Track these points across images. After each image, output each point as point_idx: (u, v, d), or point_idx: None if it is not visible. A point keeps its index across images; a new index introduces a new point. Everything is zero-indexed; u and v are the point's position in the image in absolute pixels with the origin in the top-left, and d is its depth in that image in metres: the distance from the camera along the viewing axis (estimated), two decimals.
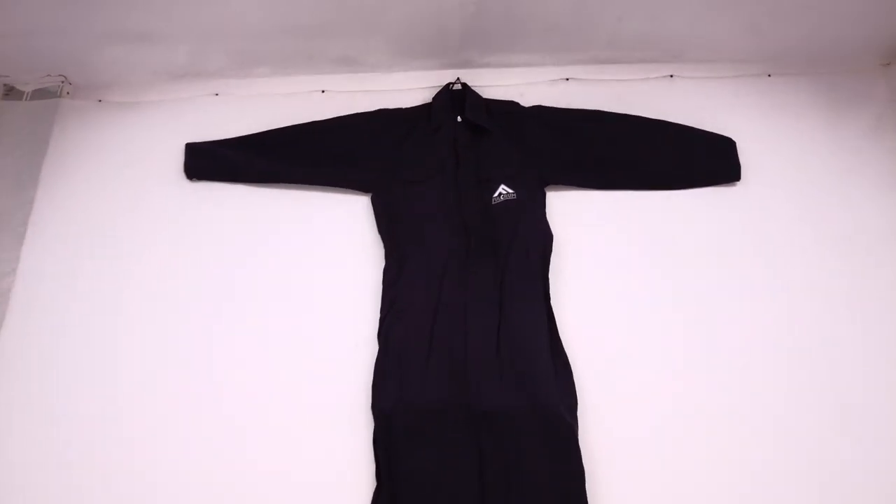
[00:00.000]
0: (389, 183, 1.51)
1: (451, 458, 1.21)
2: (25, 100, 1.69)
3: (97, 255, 1.50)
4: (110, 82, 1.71)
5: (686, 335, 1.37)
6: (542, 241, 1.42)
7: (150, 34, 1.55)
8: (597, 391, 1.29)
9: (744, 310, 1.39)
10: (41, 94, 1.70)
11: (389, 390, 1.28)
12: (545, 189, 1.51)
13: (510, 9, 1.49)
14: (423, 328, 1.32)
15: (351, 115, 1.60)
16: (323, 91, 1.69)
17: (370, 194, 1.52)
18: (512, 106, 1.60)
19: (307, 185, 1.55)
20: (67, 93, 1.71)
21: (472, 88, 1.61)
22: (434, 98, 1.61)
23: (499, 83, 1.65)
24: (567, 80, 1.68)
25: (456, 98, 1.59)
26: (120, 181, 1.59)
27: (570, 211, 1.49)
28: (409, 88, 1.66)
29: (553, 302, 1.37)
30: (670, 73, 1.67)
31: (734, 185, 1.53)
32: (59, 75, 1.71)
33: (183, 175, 1.58)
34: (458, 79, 1.63)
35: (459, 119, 1.55)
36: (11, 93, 1.70)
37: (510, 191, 1.46)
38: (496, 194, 1.46)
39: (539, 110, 1.58)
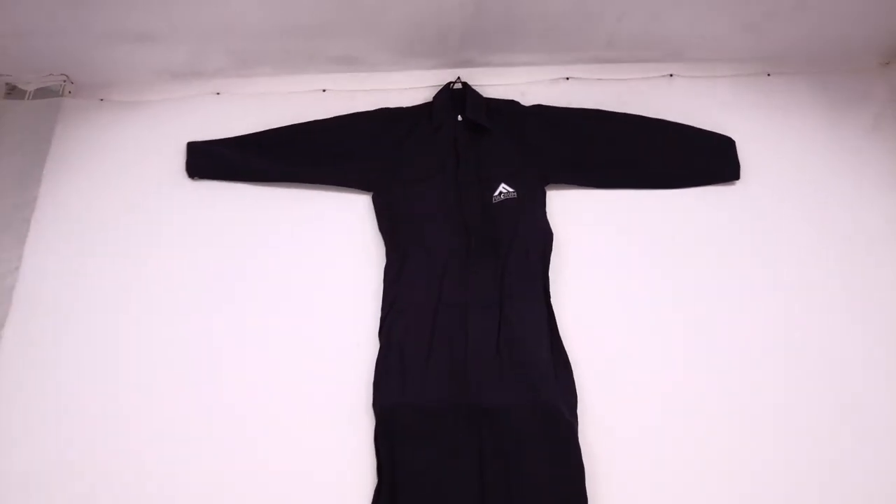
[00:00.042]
0: (390, 182, 1.51)
1: (451, 456, 1.22)
2: (28, 99, 1.70)
3: (99, 254, 1.50)
4: (112, 81, 1.72)
5: (686, 334, 1.37)
6: (542, 239, 1.42)
7: (152, 34, 1.55)
8: (597, 389, 1.30)
9: (743, 308, 1.39)
10: (43, 93, 1.70)
11: (390, 388, 1.28)
12: (545, 188, 1.51)
13: (510, 8, 1.49)
14: (424, 327, 1.33)
15: (351, 114, 1.61)
16: (324, 90, 1.70)
17: (371, 193, 1.53)
18: (512, 105, 1.60)
19: (308, 184, 1.56)
20: (69, 92, 1.72)
21: (473, 88, 1.61)
22: (434, 97, 1.61)
23: (499, 82, 1.65)
24: (567, 79, 1.69)
25: (456, 97, 1.59)
26: (122, 180, 1.59)
27: (571, 210, 1.50)
28: (409, 88, 1.67)
29: (553, 300, 1.37)
30: (670, 73, 1.68)
31: (733, 184, 1.53)
32: (62, 74, 1.71)
33: (184, 174, 1.58)
34: (458, 78, 1.63)
35: (460, 118, 1.56)
36: (14, 92, 1.71)
37: (510, 190, 1.47)
38: (496, 193, 1.47)
39: (539, 109, 1.59)
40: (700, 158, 1.56)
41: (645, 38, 1.61)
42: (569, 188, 1.53)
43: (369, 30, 1.56)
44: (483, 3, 1.47)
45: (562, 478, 1.19)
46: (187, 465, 1.28)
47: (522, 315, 1.34)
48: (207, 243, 1.51)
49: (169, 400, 1.35)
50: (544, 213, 1.48)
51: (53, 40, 1.57)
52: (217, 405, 1.34)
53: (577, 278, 1.43)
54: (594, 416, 1.27)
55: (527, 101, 1.61)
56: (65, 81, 1.71)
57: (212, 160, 1.59)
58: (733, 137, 1.56)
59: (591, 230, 1.48)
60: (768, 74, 1.67)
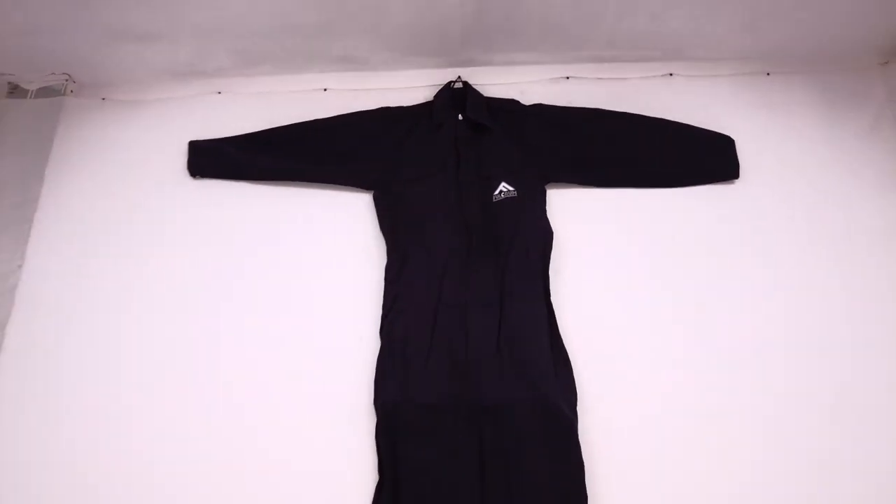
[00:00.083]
0: (390, 181, 1.52)
1: (451, 452, 1.23)
2: (30, 98, 1.70)
3: (101, 253, 1.51)
4: (114, 81, 1.72)
5: (685, 331, 1.38)
6: (542, 238, 1.43)
7: (154, 33, 1.56)
8: (596, 387, 1.30)
9: (742, 307, 1.40)
10: (45, 92, 1.71)
11: (391, 386, 1.29)
12: (545, 187, 1.52)
13: (511, 8, 1.50)
14: (425, 325, 1.33)
15: (353, 113, 1.61)
16: (325, 89, 1.70)
17: (372, 192, 1.53)
18: (512, 104, 1.60)
19: (310, 183, 1.56)
20: (71, 91, 1.72)
21: (473, 87, 1.61)
22: (435, 96, 1.62)
23: (499, 81, 1.65)
24: (567, 78, 1.69)
25: (457, 96, 1.60)
26: (124, 178, 1.60)
27: (571, 208, 1.50)
28: (410, 87, 1.67)
29: (553, 299, 1.38)
30: (670, 72, 1.68)
31: (733, 183, 1.54)
32: (64, 74, 1.71)
33: (186, 173, 1.59)
34: (459, 77, 1.64)
35: (460, 117, 1.56)
36: (16, 91, 1.71)
37: (511, 188, 1.47)
38: (497, 192, 1.47)
39: (539, 108, 1.59)
40: (700, 157, 1.57)
41: (645, 38, 1.61)
42: (569, 187, 1.54)
43: (370, 29, 1.57)
44: (484, 2, 1.47)
45: (562, 474, 1.20)
46: (189, 464, 1.28)
47: (522, 313, 1.34)
48: (209, 242, 1.51)
49: (171, 399, 1.35)
50: (544, 211, 1.48)
51: (55, 39, 1.57)
52: (219, 404, 1.34)
53: (576, 277, 1.43)
54: (594, 414, 1.27)
55: (527, 100, 1.61)
56: (67, 81, 1.72)
57: (213, 159, 1.59)
58: (733, 136, 1.56)
59: (590, 229, 1.49)
60: (768, 74, 1.67)
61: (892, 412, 1.28)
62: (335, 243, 1.50)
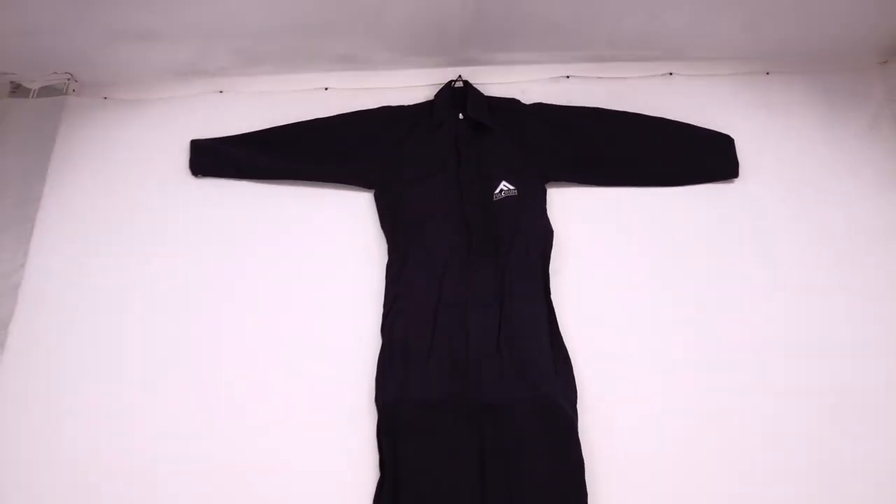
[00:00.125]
0: (391, 180, 1.52)
1: (452, 451, 1.23)
2: (32, 97, 1.71)
3: (103, 252, 1.51)
4: (116, 80, 1.73)
5: (685, 330, 1.38)
6: (542, 237, 1.43)
7: (155, 32, 1.56)
8: (597, 385, 1.30)
9: (742, 306, 1.40)
10: (48, 91, 1.71)
11: (392, 385, 1.29)
12: (546, 186, 1.52)
13: (511, 7, 1.50)
14: (425, 325, 1.34)
15: (353, 112, 1.61)
16: (326, 88, 1.71)
17: (373, 191, 1.54)
18: (513, 103, 1.61)
19: (311, 182, 1.57)
20: (73, 90, 1.72)
21: (474, 86, 1.61)
22: (436, 95, 1.62)
23: (500, 81, 1.66)
24: (568, 77, 1.69)
25: (457, 95, 1.60)
26: (126, 177, 1.60)
27: (571, 207, 1.50)
28: (411, 86, 1.67)
29: (553, 298, 1.38)
30: (669, 71, 1.68)
31: (732, 182, 1.54)
32: (66, 73, 1.72)
33: (188, 172, 1.59)
34: (459, 76, 1.64)
35: (461, 116, 1.56)
36: (18, 90, 1.71)
37: (511, 187, 1.47)
38: (497, 191, 1.47)
39: (540, 108, 1.59)
40: (699, 156, 1.57)
41: (645, 37, 1.61)
42: (569, 186, 1.54)
43: (371, 29, 1.57)
44: (484, 1, 1.48)
45: (562, 473, 1.20)
46: (190, 462, 1.28)
47: (523, 312, 1.35)
48: (211, 241, 1.52)
49: (172, 398, 1.35)
50: (545, 210, 1.49)
51: (57, 39, 1.57)
52: (221, 402, 1.34)
53: (577, 276, 1.43)
54: (594, 412, 1.27)
55: (527, 99, 1.61)
56: (69, 80, 1.72)
57: (215, 158, 1.60)
58: (732, 135, 1.56)
59: (591, 228, 1.49)
60: (767, 73, 1.67)
61: (892, 412, 1.28)
62: (336, 243, 1.51)
